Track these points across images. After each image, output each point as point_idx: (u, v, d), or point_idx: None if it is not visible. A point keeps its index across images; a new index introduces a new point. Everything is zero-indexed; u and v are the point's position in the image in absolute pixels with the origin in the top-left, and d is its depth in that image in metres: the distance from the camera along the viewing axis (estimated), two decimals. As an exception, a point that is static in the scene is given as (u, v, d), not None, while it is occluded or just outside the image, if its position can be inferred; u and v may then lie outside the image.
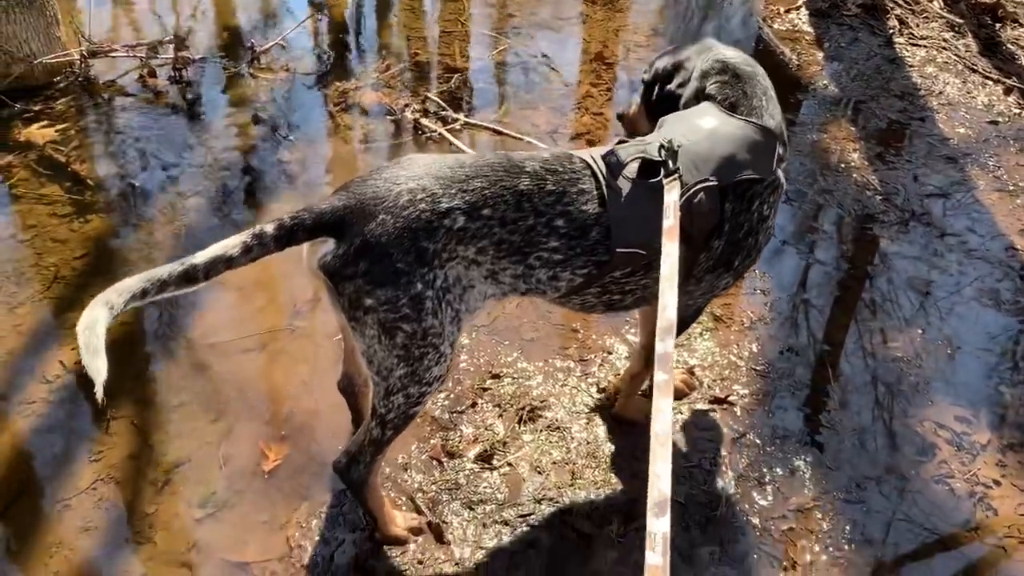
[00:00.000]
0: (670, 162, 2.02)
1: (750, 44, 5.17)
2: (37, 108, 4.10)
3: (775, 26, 5.35)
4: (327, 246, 1.93)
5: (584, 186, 2.05)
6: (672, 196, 1.96)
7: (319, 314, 3.08)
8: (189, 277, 1.88)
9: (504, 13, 5.36)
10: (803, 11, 5.54)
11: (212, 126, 4.14)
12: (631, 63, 4.92)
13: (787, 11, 5.53)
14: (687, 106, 2.27)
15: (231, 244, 1.91)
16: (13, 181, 3.68)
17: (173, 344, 2.97)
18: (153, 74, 4.38)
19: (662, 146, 2.05)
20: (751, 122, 2.16)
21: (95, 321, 1.79)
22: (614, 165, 2.06)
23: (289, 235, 1.93)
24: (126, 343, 2.97)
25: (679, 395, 2.77)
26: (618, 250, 2.06)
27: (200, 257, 1.89)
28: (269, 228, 1.93)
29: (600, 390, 2.83)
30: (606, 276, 2.12)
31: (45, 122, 4.01)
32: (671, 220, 1.90)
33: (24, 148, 3.86)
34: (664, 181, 2.01)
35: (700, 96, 2.25)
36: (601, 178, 2.06)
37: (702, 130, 2.11)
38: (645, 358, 2.56)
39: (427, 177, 1.96)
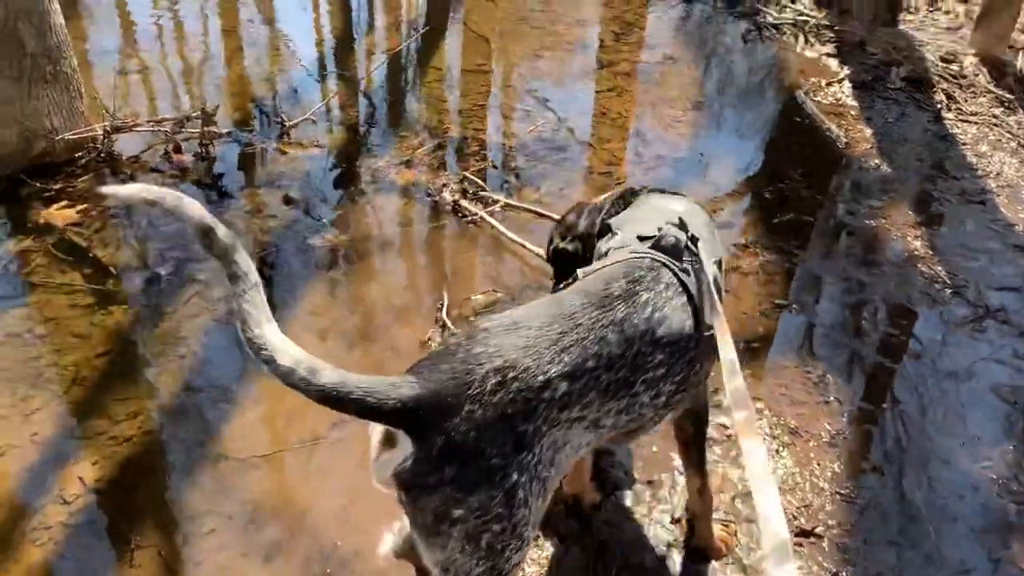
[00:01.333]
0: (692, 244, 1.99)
1: (793, 118, 5.00)
2: (57, 187, 3.90)
3: (818, 99, 5.18)
4: (402, 451, 1.61)
5: (664, 281, 1.92)
6: (713, 270, 1.99)
7: (357, 427, 2.83)
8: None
9: (537, 87, 5.20)
10: (846, 84, 5.38)
11: (241, 206, 3.94)
12: (671, 138, 4.74)
13: (828, 84, 5.37)
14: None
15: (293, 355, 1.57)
16: (30, 268, 3.47)
17: (202, 459, 2.72)
18: (179, 149, 4.19)
19: (679, 226, 2.03)
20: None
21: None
22: (673, 249, 1.96)
23: (336, 401, 1.57)
24: (151, 459, 2.73)
25: (718, 555, 2.49)
26: (705, 334, 1.91)
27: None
28: (328, 376, 1.56)
29: (675, 520, 2.57)
30: (691, 373, 1.95)
31: (65, 202, 3.80)
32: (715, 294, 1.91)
33: (43, 231, 3.65)
34: (706, 259, 1.97)
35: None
36: (671, 266, 1.93)
37: (677, 212, 2.11)
38: (697, 488, 2.37)
39: (511, 349, 1.67)
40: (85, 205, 3.81)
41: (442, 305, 3.34)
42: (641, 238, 2.02)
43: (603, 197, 2.41)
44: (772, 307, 3.46)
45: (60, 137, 3.98)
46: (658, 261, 1.93)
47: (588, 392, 1.72)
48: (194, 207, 1.54)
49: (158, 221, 3.76)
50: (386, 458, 1.64)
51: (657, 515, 2.58)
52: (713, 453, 2.76)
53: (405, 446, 1.60)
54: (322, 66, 5.44)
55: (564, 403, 1.69)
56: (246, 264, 1.57)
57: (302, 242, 3.72)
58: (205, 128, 4.17)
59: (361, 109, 4.90)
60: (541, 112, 4.87)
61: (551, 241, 2.45)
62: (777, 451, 2.82)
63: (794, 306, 3.47)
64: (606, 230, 2.19)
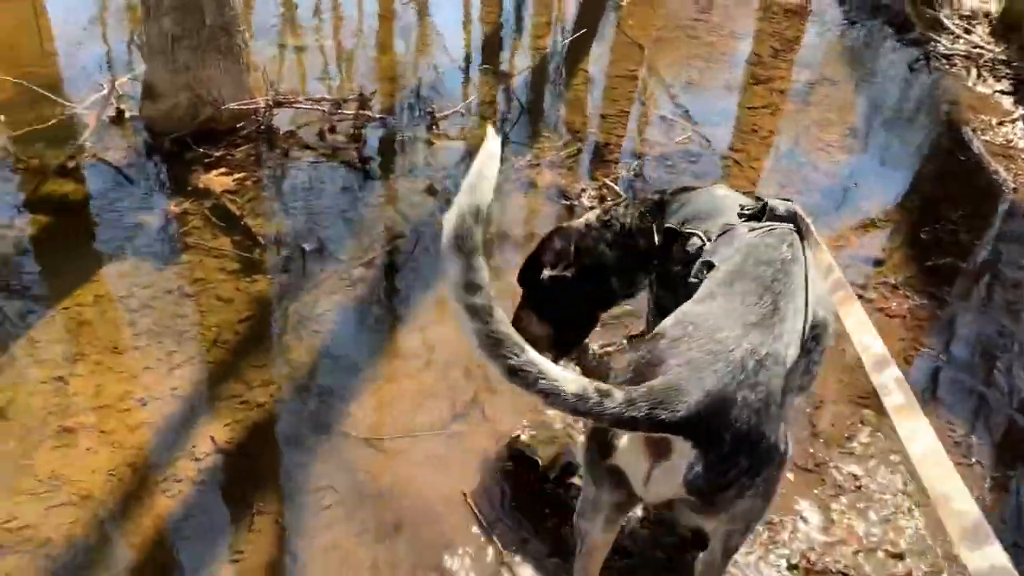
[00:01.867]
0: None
1: (956, 156, 4.72)
2: (218, 154, 4.09)
3: (986, 139, 4.87)
4: (683, 457, 1.57)
5: (798, 245, 1.97)
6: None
7: (479, 421, 2.85)
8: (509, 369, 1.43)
9: (687, 97, 5.10)
10: (1019, 125, 5.04)
11: (385, 191, 4.04)
12: (822, 162, 4.55)
13: (1000, 123, 5.04)
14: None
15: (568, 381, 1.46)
16: (187, 228, 3.65)
17: (326, 435, 2.79)
18: (333, 129, 4.32)
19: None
20: None
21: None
22: (789, 216, 2.03)
23: (630, 422, 1.50)
24: (277, 428, 2.83)
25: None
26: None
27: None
28: (619, 396, 1.47)
29: (791, 567, 2.47)
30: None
31: (224, 169, 3.99)
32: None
33: (201, 195, 3.84)
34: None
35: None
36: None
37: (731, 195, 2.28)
38: None
39: (743, 327, 1.67)
40: (242, 174, 3.99)
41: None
42: (744, 216, 2.07)
43: (585, 219, 2.42)
44: (918, 355, 3.27)
45: (226, 107, 4.18)
46: (788, 230, 1.97)
47: (800, 356, 1.79)
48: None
49: (308, 197, 3.90)
50: (662, 472, 1.61)
51: (773, 558, 2.49)
52: (839, 503, 2.64)
53: (684, 452, 1.57)
54: (471, 60, 5.50)
55: (792, 368, 1.74)
56: (485, 273, 1.42)
57: (440, 232, 3.76)
58: (360, 111, 4.28)
59: (506, 106, 4.93)
60: (686, 124, 4.77)
61: (533, 268, 2.42)
62: (909, 510, 2.66)
63: (942, 357, 3.28)
64: (673, 235, 2.18)
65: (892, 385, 1.38)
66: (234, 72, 4.21)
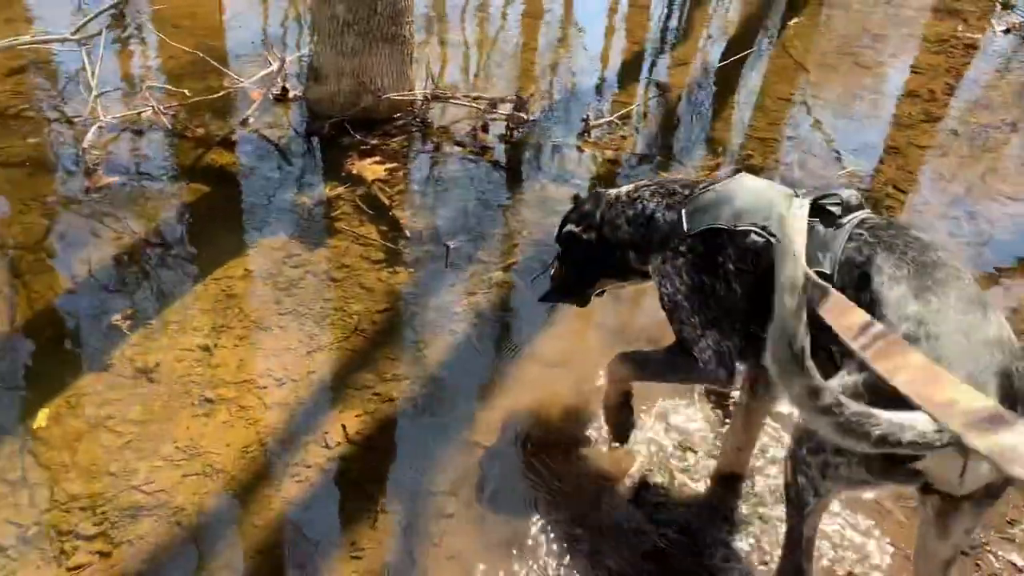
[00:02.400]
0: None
1: None
2: (374, 142, 4.14)
3: None
4: None
5: None
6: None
7: (604, 432, 2.75)
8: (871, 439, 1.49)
9: (851, 127, 4.84)
10: None
11: (532, 195, 3.99)
12: (998, 215, 4.22)
13: None
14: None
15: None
16: (338, 213, 3.70)
17: (454, 440, 2.74)
18: (485, 128, 4.31)
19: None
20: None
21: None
22: (859, 203, 2.10)
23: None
24: (406, 426, 2.81)
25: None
26: None
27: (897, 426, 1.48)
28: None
29: None
30: None
31: (377, 158, 4.03)
32: None
33: (354, 181, 3.89)
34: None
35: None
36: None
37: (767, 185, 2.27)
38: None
39: (974, 316, 1.73)
40: (394, 164, 4.02)
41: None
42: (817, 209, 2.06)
43: (621, 190, 2.48)
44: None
45: (386, 96, 4.22)
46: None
47: None
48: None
49: (455, 193, 3.90)
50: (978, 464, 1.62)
51: None
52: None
53: None
54: (627, 69, 5.40)
55: None
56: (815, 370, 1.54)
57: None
58: (515, 112, 4.25)
59: (666, 119, 4.80)
60: (848, 156, 4.52)
61: (564, 224, 2.58)
62: None
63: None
64: (716, 232, 2.17)
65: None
66: (397, 62, 4.25)
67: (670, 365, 2.40)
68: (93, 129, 3.94)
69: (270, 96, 4.36)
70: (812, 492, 1.91)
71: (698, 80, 5.31)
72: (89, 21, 4.39)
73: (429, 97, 4.31)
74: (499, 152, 4.25)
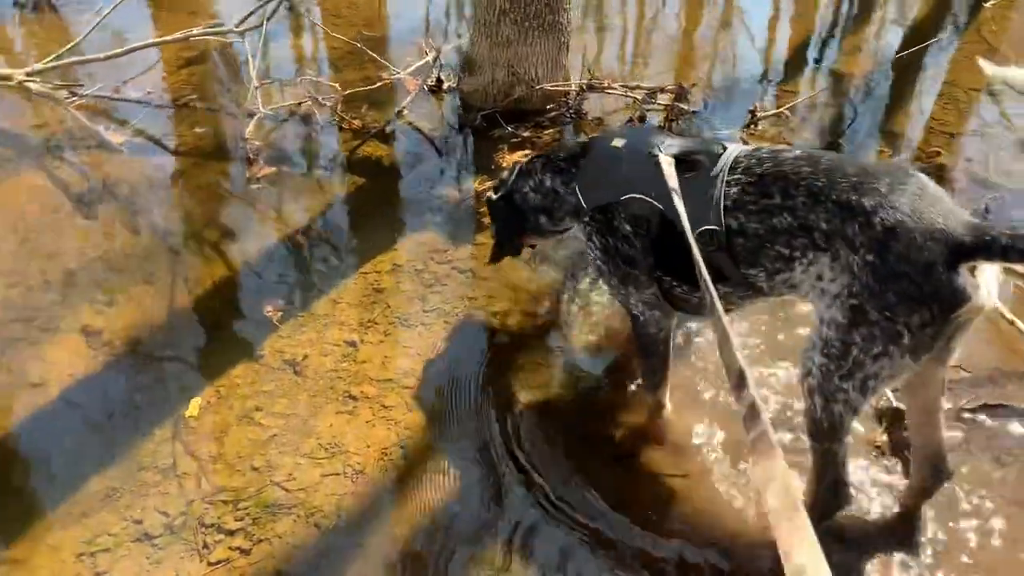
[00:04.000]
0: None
1: None
2: (525, 134, 4.02)
3: None
4: None
5: None
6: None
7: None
8: None
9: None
10: None
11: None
12: None
13: None
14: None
15: None
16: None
17: (606, 461, 2.59)
18: (643, 119, 4.10)
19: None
20: None
21: None
22: None
23: None
24: (557, 443, 2.67)
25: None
26: None
27: None
28: None
29: None
30: None
31: (528, 151, 3.91)
32: None
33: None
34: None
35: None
36: None
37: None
38: None
39: None
40: (545, 158, 3.88)
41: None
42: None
43: (529, 159, 2.69)
44: None
45: (540, 87, 4.09)
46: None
47: None
48: None
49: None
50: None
51: None
52: None
53: None
54: (797, 57, 5.02)
55: None
56: None
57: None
58: (675, 103, 4.02)
59: (837, 110, 4.43)
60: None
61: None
62: None
63: None
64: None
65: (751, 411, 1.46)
66: (552, 51, 4.11)
67: (636, 335, 2.58)
68: (254, 120, 4.02)
69: (425, 87, 4.33)
70: (852, 412, 2.06)
71: (874, 68, 4.87)
72: (251, 15, 4.48)
73: (584, 87, 4.15)
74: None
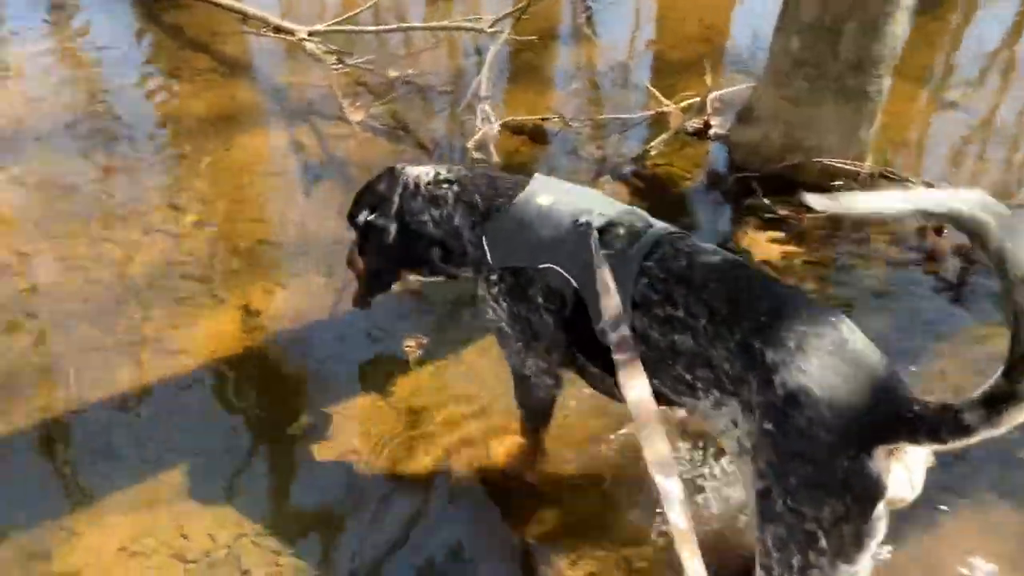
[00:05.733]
0: None
1: None
2: (783, 213, 3.30)
3: None
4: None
5: None
6: None
7: None
8: None
9: None
10: None
11: (976, 346, 2.83)
12: None
13: None
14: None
15: None
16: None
17: None
18: (939, 231, 3.21)
19: None
20: None
21: None
22: None
23: None
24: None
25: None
26: None
27: None
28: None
29: None
30: None
31: (779, 234, 3.20)
32: None
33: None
34: None
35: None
36: None
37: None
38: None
39: None
40: (797, 249, 3.15)
41: None
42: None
43: (420, 173, 2.24)
44: None
45: (820, 160, 3.35)
46: None
47: None
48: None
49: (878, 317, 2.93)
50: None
51: None
52: None
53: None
54: None
55: None
56: None
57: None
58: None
59: None
60: None
61: (355, 204, 2.32)
62: None
63: None
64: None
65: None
66: (849, 121, 3.34)
67: (519, 391, 2.31)
68: (486, 128, 3.70)
69: (689, 128, 3.75)
70: None
71: None
72: (504, 17, 4.15)
73: (876, 175, 3.33)
74: (953, 268, 3.12)
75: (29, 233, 3.26)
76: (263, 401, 2.65)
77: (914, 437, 1.45)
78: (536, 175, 2.15)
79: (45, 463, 2.48)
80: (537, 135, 3.86)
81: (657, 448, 1.58)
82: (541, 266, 1.97)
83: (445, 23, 4.29)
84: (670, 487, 1.53)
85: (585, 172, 3.62)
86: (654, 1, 5.24)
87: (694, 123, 3.75)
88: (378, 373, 2.71)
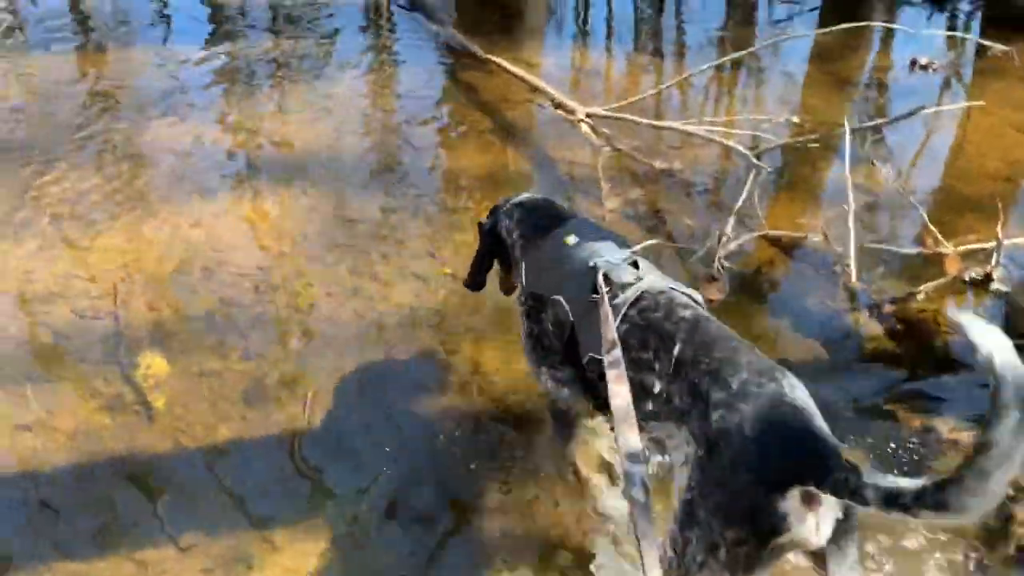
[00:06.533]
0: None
1: None
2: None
3: None
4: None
5: None
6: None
7: None
8: None
9: None
10: None
11: None
12: None
13: None
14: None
15: None
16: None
17: None
18: None
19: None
20: None
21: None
22: None
23: None
24: None
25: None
26: None
27: None
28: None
29: None
30: None
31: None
32: None
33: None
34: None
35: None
36: None
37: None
38: None
39: None
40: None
41: None
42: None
43: (515, 201, 2.69)
44: None
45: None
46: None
47: None
48: None
49: None
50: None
51: None
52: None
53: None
54: None
55: None
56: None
57: None
58: None
59: None
60: None
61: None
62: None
63: None
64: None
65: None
66: None
67: (549, 402, 2.67)
68: (725, 244, 3.56)
69: (968, 277, 3.41)
70: None
71: None
72: (775, 147, 3.96)
73: None
74: None
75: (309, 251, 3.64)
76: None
77: (822, 487, 1.57)
78: (577, 215, 2.59)
79: (275, 471, 2.70)
80: (793, 250, 3.70)
81: (629, 441, 1.83)
82: (553, 297, 2.29)
83: (717, 130, 4.21)
84: (634, 471, 1.78)
85: (842, 299, 3.40)
86: (954, 129, 4.86)
87: (975, 272, 3.41)
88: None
